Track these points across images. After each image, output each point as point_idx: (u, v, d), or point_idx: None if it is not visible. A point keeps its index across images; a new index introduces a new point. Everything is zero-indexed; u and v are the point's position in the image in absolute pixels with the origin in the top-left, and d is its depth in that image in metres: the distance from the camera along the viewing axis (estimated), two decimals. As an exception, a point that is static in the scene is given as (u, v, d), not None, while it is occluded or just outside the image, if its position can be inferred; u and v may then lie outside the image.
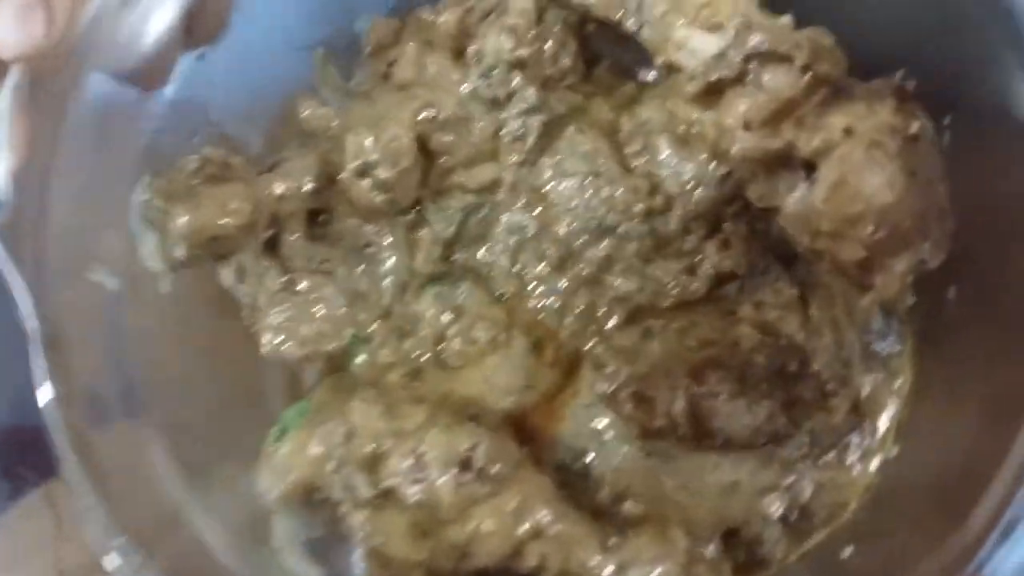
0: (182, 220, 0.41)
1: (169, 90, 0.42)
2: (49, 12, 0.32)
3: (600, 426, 0.44)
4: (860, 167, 0.41)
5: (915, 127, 0.42)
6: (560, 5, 0.49)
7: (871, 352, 0.47)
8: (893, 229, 0.41)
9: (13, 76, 0.33)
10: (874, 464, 0.45)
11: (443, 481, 0.40)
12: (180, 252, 0.42)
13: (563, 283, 0.46)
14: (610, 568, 0.39)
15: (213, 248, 0.43)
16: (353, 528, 0.41)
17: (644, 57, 0.48)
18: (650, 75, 0.51)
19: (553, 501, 0.41)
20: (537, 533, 0.40)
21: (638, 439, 0.43)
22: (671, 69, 0.48)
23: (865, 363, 0.46)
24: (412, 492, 0.40)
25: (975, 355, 0.42)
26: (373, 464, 0.41)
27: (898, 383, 0.47)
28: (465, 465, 0.40)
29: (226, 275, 0.47)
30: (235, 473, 0.43)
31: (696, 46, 0.46)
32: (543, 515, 0.40)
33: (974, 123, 0.43)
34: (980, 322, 0.44)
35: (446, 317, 0.46)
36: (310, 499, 0.43)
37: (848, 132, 0.41)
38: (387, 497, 0.40)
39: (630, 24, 0.48)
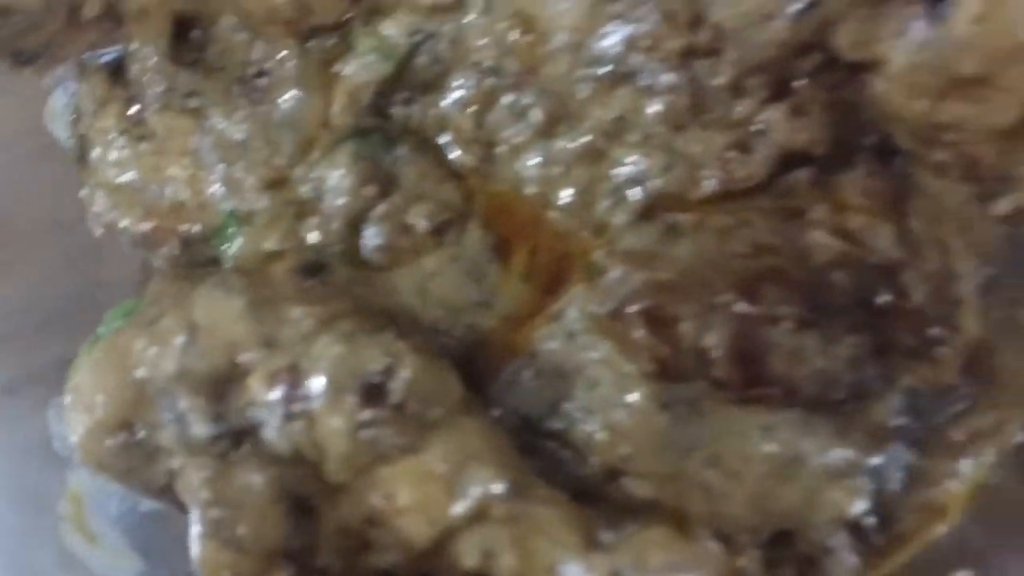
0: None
1: None
2: None
3: (590, 362, 0.32)
4: None
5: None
6: None
7: (998, 291, 0.36)
8: None
9: None
10: (989, 455, 0.35)
11: (334, 418, 0.27)
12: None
13: (551, 153, 0.35)
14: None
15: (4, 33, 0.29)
16: (186, 492, 0.28)
17: None
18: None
19: (510, 467, 0.29)
20: (481, 514, 0.28)
21: (650, 382, 0.32)
22: None
23: (988, 308, 0.36)
24: (282, 435, 0.28)
25: None
26: (222, 386, 0.29)
27: (1034, 341, 0.37)
28: (372, 395, 0.28)
29: (53, 113, 0.36)
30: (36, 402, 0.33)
31: None
32: (493, 486, 0.28)
33: None
34: None
35: (369, 190, 0.34)
36: (126, 444, 0.28)
37: None
38: (240, 442, 0.29)
39: None
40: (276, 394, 0.27)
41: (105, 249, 0.36)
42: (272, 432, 0.27)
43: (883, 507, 0.34)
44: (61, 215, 0.36)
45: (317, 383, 0.27)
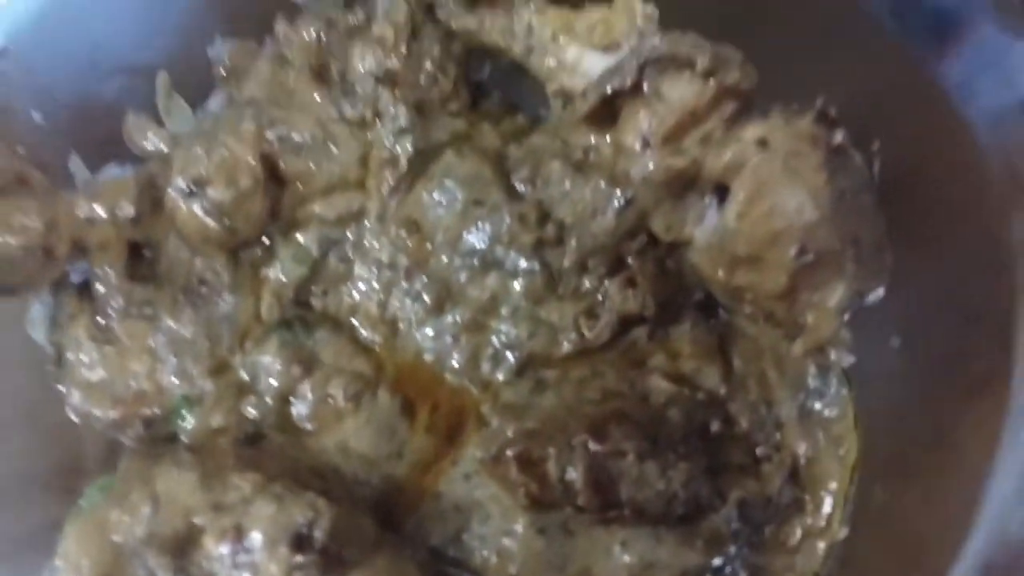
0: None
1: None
2: None
3: (483, 499, 0.37)
4: (778, 180, 0.36)
5: (839, 136, 0.37)
6: (438, 26, 0.43)
7: (809, 413, 0.41)
8: (821, 252, 0.37)
9: None
10: (820, 549, 0.39)
11: (272, 565, 0.32)
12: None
13: (442, 327, 0.41)
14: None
15: (-6, 279, 0.34)
16: None
17: (538, 92, 0.44)
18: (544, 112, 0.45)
19: None
20: None
21: (527, 512, 0.37)
22: (565, 98, 0.43)
23: (802, 426, 0.41)
24: None
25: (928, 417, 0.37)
26: (182, 546, 0.33)
27: (842, 451, 0.41)
28: (300, 544, 0.32)
29: (33, 322, 0.41)
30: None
31: (589, 68, 0.42)
32: None
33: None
34: (929, 375, 0.38)
35: (296, 371, 0.40)
36: None
37: (763, 144, 0.38)
38: None
39: (518, 51, 0.44)
40: (225, 549, 0.32)
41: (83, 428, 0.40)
42: None
43: None
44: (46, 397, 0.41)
45: (256, 537, 0.32)
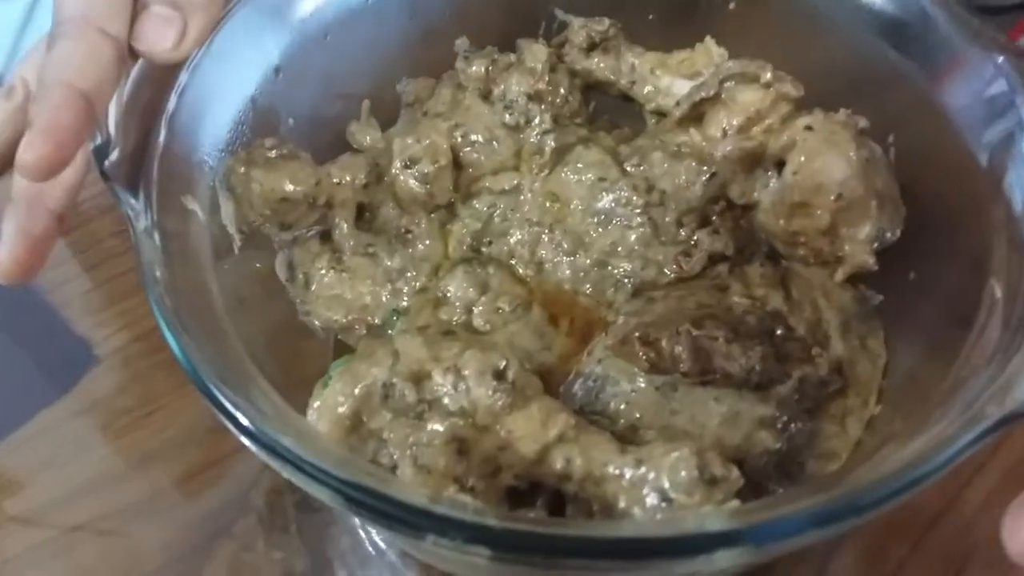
0: (258, 180, 0.49)
1: (252, 91, 0.52)
2: (183, 33, 0.43)
3: (612, 371, 0.47)
4: (821, 150, 0.50)
5: (863, 123, 0.52)
6: (566, 66, 0.60)
7: (850, 329, 0.53)
8: (853, 198, 0.50)
9: (139, 67, 0.43)
10: (860, 419, 0.49)
11: (480, 389, 0.44)
12: (252, 214, 0.49)
13: (577, 265, 0.52)
14: (628, 466, 0.43)
15: (281, 212, 0.50)
16: (397, 441, 0.45)
17: (636, 118, 0.60)
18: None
19: (574, 417, 0.46)
20: (561, 438, 0.44)
21: (647, 375, 0.46)
22: (660, 115, 0.59)
23: (845, 340, 0.52)
24: (453, 400, 0.44)
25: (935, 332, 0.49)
26: (417, 381, 0.45)
27: (877, 357, 0.53)
28: (499, 376, 0.44)
29: (280, 264, 0.55)
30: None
31: (678, 91, 0.57)
32: (567, 423, 0.44)
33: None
34: (938, 300, 0.51)
35: (474, 292, 0.51)
36: (357, 431, 0.46)
37: (809, 128, 0.52)
38: (430, 408, 0.43)
39: (624, 83, 0.60)
40: (449, 379, 0.42)
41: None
42: (447, 400, 0.42)
43: (793, 450, 0.46)
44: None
45: (469, 372, 0.42)
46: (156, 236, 0.42)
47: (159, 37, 0.38)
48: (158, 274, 0.41)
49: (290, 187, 0.49)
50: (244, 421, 0.37)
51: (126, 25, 0.38)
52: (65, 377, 0.59)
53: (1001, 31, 0.49)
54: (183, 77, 0.47)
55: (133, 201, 0.42)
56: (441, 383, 0.45)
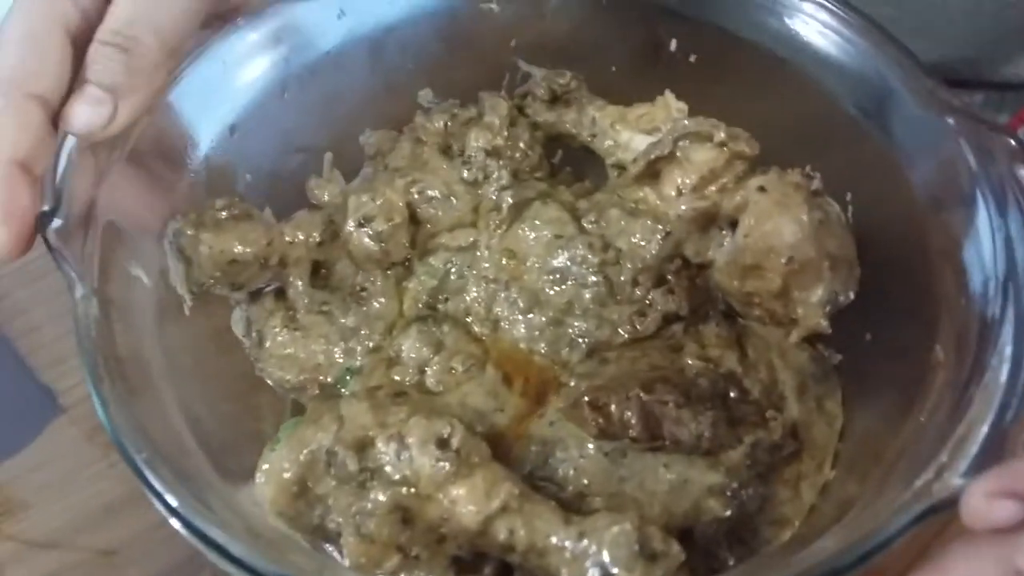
0: (207, 243, 0.49)
1: (206, 150, 0.52)
2: (111, 117, 0.43)
3: (562, 435, 0.47)
4: (772, 212, 0.50)
5: (815, 184, 0.52)
6: (527, 119, 0.60)
7: (807, 390, 0.53)
8: (804, 261, 0.50)
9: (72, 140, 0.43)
10: (814, 484, 0.49)
11: (423, 458, 0.44)
12: (203, 276, 0.49)
13: (532, 326, 0.52)
14: (571, 538, 0.43)
15: (231, 273, 0.50)
16: (340, 509, 0.45)
17: (598, 170, 0.60)
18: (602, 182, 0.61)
19: (520, 485, 0.45)
20: (505, 508, 0.44)
21: (595, 441, 0.46)
22: (619, 168, 0.59)
23: (801, 401, 0.52)
24: (395, 468, 0.44)
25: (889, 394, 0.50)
26: (361, 448, 0.45)
27: (832, 419, 0.53)
28: (443, 444, 0.44)
29: (236, 320, 0.55)
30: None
31: (637, 146, 0.57)
32: (511, 493, 0.44)
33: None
34: (892, 361, 0.51)
35: (428, 352, 0.50)
36: (303, 496, 0.46)
37: (762, 189, 0.51)
38: (373, 477, 0.43)
39: (585, 136, 0.60)
40: (391, 447, 0.42)
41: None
42: (390, 469, 0.42)
43: (747, 520, 0.46)
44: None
45: (412, 440, 0.42)
46: (94, 303, 0.42)
47: (85, 121, 0.38)
48: (92, 343, 0.41)
49: (239, 248, 0.50)
50: (172, 502, 0.37)
51: (60, 79, 0.38)
52: (28, 426, 0.59)
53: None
54: (131, 140, 0.47)
55: (71, 271, 0.42)
56: (384, 451, 0.45)
